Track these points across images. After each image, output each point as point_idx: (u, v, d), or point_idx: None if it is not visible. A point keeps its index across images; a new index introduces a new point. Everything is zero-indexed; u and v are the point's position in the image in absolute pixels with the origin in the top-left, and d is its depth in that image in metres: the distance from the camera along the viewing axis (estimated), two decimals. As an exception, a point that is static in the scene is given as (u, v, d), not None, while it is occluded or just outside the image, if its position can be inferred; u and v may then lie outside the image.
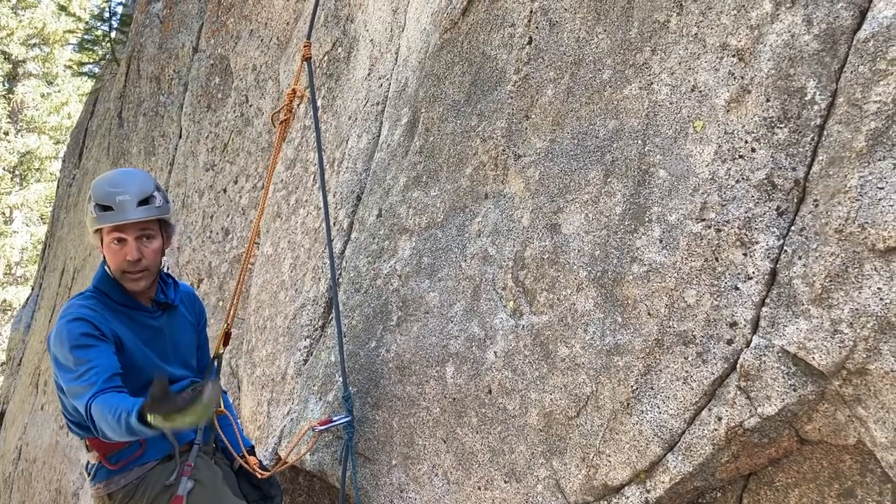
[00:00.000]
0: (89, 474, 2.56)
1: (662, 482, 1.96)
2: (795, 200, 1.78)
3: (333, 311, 2.99)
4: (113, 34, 11.36)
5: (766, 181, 1.82)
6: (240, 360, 4.30)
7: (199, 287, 5.18)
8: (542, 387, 2.25)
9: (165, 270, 2.65)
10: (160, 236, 2.49)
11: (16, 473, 9.05)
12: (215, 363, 2.85)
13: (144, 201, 2.40)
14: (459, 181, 2.76)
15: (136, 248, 2.39)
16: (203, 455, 2.63)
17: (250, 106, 5.15)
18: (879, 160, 1.62)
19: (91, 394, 2.19)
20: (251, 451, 2.89)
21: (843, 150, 1.69)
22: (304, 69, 3.10)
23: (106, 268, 2.47)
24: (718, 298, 1.87)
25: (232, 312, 2.98)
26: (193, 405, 1.91)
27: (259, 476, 2.83)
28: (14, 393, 10.79)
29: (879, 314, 1.59)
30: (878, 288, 1.59)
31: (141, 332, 2.49)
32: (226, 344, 2.93)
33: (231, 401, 4.07)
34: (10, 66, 24.35)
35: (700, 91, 2.00)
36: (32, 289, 12.80)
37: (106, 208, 2.36)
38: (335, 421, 2.75)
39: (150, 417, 1.97)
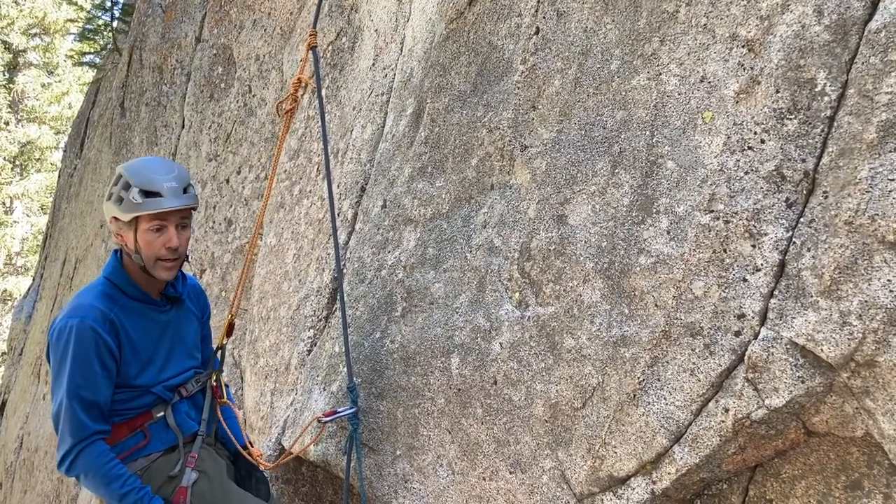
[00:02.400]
0: None
1: (668, 473, 1.96)
2: (805, 192, 1.77)
3: (338, 301, 2.99)
4: (115, 24, 11.36)
5: (775, 172, 1.81)
6: (242, 350, 4.30)
7: (201, 277, 5.18)
8: (548, 378, 2.25)
9: None
10: (190, 225, 2.52)
11: (18, 462, 9.08)
12: (219, 354, 2.85)
13: (185, 189, 2.43)
14: (465, 172, 2.75)
15: (177, 235, 2.41)
16: (206, 446, 2.63)
17: (253, 96, 5.14)
18: (890, 151, 1.61)
19: (81, 437, 2.30)
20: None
21: (853, 141, 1.68)
22: (310, 58, 3.09)
23: (126, 256, 2.46)
24: (726, 290, 1.86)
25: (236, 303, 2.98)
26: None
27: (263, 468, 2.83)
28: (15, 382, 10.82)
29: (889, 306, 1.58)
30: (888, 280, 1.59)
31: (150, 328, 2.50)
32: (229, 335, 2.93)
33: (234, 391, 4.08)
34: (11, 55, 24.32)
35: (709, 82, 1.98)
36: (34, 279, 12.81)
37: (152, 194, 2.35)
38: (340, 412, 2.75)
39: None
